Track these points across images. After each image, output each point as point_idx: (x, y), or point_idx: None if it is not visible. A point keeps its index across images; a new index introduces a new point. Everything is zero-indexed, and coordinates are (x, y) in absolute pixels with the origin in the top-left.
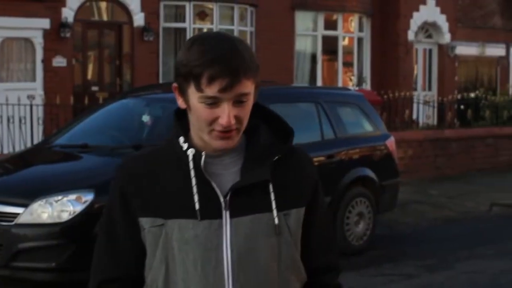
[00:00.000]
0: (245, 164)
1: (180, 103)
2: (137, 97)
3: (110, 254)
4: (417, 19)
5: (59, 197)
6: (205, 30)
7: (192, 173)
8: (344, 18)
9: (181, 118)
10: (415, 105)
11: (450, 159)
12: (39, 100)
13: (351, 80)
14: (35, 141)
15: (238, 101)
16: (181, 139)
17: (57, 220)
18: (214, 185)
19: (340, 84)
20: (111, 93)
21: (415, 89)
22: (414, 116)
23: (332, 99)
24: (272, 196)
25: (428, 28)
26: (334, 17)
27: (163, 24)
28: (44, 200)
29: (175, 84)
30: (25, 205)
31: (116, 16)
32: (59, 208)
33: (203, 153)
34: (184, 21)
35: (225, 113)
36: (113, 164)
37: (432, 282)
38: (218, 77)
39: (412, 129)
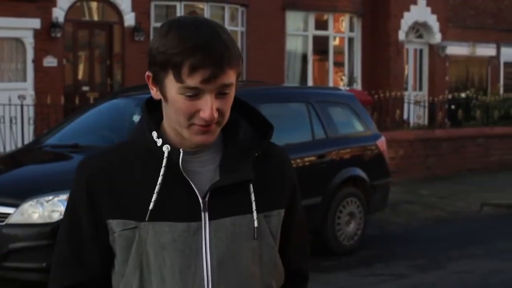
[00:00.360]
0: (224, 161)
1: (154, 93)
2: (127, 97)
3: (73, 259)
4: (408, 19)
5: (50, 197)
6: None
7: (162, 170)
8: (335, 18)
9: (152, 110)
10: (406, 105)
11: (440, 159)
12: (30, 100)
13: (342, 80)
14: (26, 141)
15: (221, 93)
16: (154, 133)
17: (48, 220)
18: (193, 185)
19: (331, 84)
20: (101, 93)
21: (406, 89)
22: (405, 116)
23: (323, 99)
24: (253, 197)
25: (419, 28)
26: (325, 17)
27: (153, 24)
28: (35, 200)
29: (148, 73)
30: (15, 205)
31: (106, 16)
32: (50, 208)
33: (181, 150)
34: None
35: (208, 106)
36: None
37: (423, 282)
38: (201, 66)
39: (403, 129)
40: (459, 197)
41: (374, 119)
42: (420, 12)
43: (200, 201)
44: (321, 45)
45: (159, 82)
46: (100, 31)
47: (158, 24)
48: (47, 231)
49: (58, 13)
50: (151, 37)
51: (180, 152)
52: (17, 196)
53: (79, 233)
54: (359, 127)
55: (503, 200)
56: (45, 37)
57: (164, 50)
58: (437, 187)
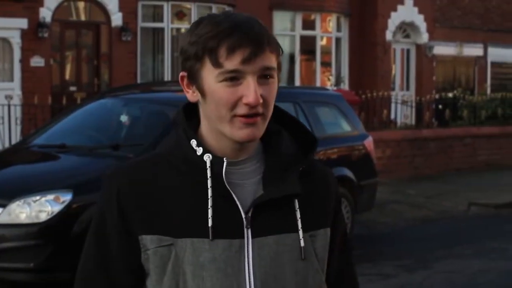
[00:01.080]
0: (268, 174)
1: (190, 96)
2: (115, 97)
3: (101, 280)
4: (395, 19)
5: (37, 197)
6: (183, 30)
7: (209, 182)
8: (322, 18)
9: (189, 118)
10: (393, 105)
11: (428, 159)
12: (17, 100)
13: (329, 80)
14: (13, 141)
15: (264, 76)
16: (194, 142)
17: (35, 220)
18: (235, 198)
19: (318, 84)
20: (89, 93)
21: (393, 89)
22: (392, 116)
23: (310, 99)
24: (298, 214)
25: (406, 28)
26: (312, 17)
27: (141, 24)
28: (22, 200)
29: (183, 73)
30: (3, 206)
31: (94, 16)
32: (37, 208)
33: (225, 158)
34: (162, 21)
35: (251, 89)
36: (92, 164)
37: (410, 282)
38: (239, 46)
39: (390, 129)
40: (447, 197)
41: (361, 119)
42: (407, 12)
43: (243, 216)
44: (308, 45)
45: (195, 79)
46: (87, 31)
47: (146, 24)
48: (35, 231)
49: (45, 13)
50: (138, 37)
51: (223, 162)
52: (4, 196)
53: (109, 251)
54: (346, 127)
55: (490, 200)
56: (32, 37)
57: (197, 39)
58: (424, 187)
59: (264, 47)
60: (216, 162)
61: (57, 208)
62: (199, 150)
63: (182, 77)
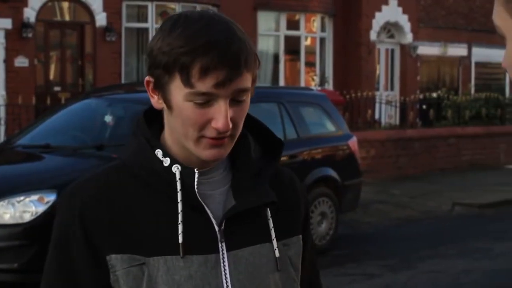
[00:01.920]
0: (237, 182)
1: (155, 102)
2: (99, 98)
3: None
4: (379, 19)
5: (21, 198)
6: None
7: (179, 196)
8: (306, 18)
9: (151, 122)
10: (377, 105)
11: (412, 158)
12: (1, 100)
13: (313, 80)
14: None
15: (236, 100)
16: (159, 152)
17: (19, 221)
18: (208, 211)
19: (302, 84)
20: (73, 93)
21: (377, 89)
22: (376, 116)
23: (295, 99)
24: (271, 223)
25: (390, 28)
26: (296, 17)
27: (125, 24)
28: (6, 201)
29: (148, 78)
30: None
31: (78, 16)
32: (21, 209)
33: (196, 169)
34: (146, 21)
35: (222, 114)
36: (76, 165)
37: (395, 281)
38: (215, 68)
39: (374, 129)
40: (431, 196)
41: (345, 119)
42: (391, 12)
43: (216, 229)
44: (292, 45)
45: (161, 88)
46: (71, 31)
47: (130, 24)
48: (19, 232)
49: (30, 13)
50: (123, 37)
51: (194, 173)
52: None
53: (72, 274)
54: (330, 127)
55: (474, 200)
56: (16, 37)
57: (169, 50)
58: (409, 187)
59: (241, 70)
60: (186, 173)
61: (41, 208)
62: (166, 161)
63: (148, 82)
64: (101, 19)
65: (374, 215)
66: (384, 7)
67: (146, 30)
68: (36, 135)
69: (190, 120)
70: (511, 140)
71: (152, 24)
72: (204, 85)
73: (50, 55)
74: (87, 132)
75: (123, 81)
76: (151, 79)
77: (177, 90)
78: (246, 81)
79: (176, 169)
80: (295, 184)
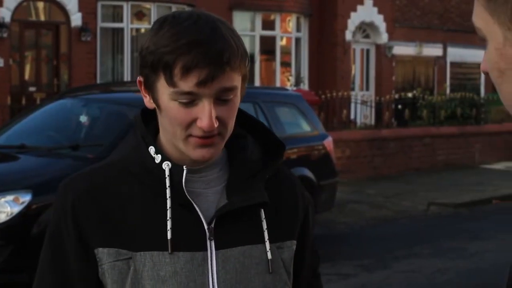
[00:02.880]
0: (232, 182)
1: (147, 102)
2: (74, 98)
3: None
4: (355, 19)
5: None
6: (143, 30)
7: (168, 192)
8: (282, 18)
9: (148, 121)
10: (352, 105)
11: (387, 158)
12: None
13: (289, 80)
14: None
15: (222, 99)
16: (152, 149)
17: None
18: (197, 208)
19: (278, 84)
20: (48, 93)
21: (353, 89)
22: (352, 116)
23: (270, 99)
24: (265, 225)
25: (366, 28)
26: (272, 17)
27: (100, 24)
28: None
29: (140, 78)
30: None
31: (53, 16)
32: None
33: (184, 167)
34: (121, 21)
35: (205, 114)
36: (51, 165)
37: (370, 281)
38: (196, 66)
39: (349, 129)
40: (406, 196)
41: (321, 119)
42: (366, 12)
43: (206, 227)
44: (268, 45)
45: (150, 88)
46: (46, 31)
47: (105, 24)
48: None
49: (5, 13)
50: (98, 37)
51: (183, 170)
52: None
53: (65, 265)
54: (306, 127)
55: (449, 200)
56: None
57: (155, 49)
58: (384, 186)
59: (223, 68)
60: (176, 170)
61: (16, 208)
62: (158, 158)
63: (140, 82)
64: (76, 19)
65: (349, 215)
66: (359, 7)
67: (121, 30)
68: (11, 136)
69: (176, 120)
70: (486, 140)
71: (127, 24)
72: (187, 84)
73: (25, 55)
74: (63, 132)
75: (98, 81)
76: (142, 79)
77: (163, 89)
78: (231, 80)
79: (166, 166)
80: (294, 187)
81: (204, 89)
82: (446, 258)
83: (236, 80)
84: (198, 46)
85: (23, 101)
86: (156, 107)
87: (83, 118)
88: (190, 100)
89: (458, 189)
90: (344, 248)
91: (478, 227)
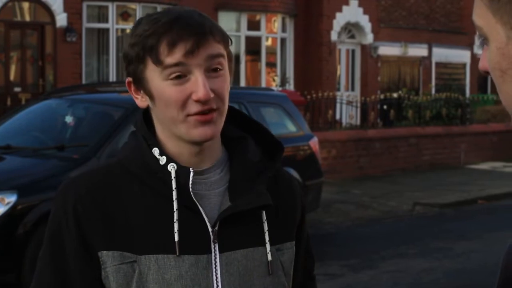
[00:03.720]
0: (233, 184)
1: (139, 101)
2: (60, 98)
3: None
4: (340, 19)
5: None
6: (128, 30)
7: (175, 194)
8: (267, 19)
9: (149, 124)
10: (338, 105)
11: (373, 159)
12: None
13: (274, 80)
14: None
15: (211, 69)
16: (156, 150)
17: None
18: (202, 211)
19: (263, 85)
20: (34, 94)
21: (338, 90)
22: (337, 116)
23: (256, 99)
24: (266, 227)
25: (351, 29)
26: (257, 17)
27: (86, 24)
28: None
29: (128, 79)
30: None
31: (38, 17)
32: None
33: (191, 169)
34: (107, 21)
35: (199, 84)
36: (37, 165)
37: (356, 281)
38: (180, 39)
39: (335, 129)
40: (392, 196)
41: (306, 119)
42: (352, 13)
43: (210, 230)
44: (253, 46)
45: (140, 82)
46: (32, 31)
47: (90, 25)
48: None
49: None
50: (83, 37)
51: (189, 172)
52: None
53: (66, 267)
54: (291, 128)
55: (434, 200)
56: None
57: (136, 40)
58: (370, 186)
59: (207, 37)
60: (182, 172)
61: (1, 209)
62: (163, 159)
63: (129, 83)
64: (61, 20)
65: (335, 215)
66: (344, 8)
67: (106, 30)
68: None
69: (171, 99)
70: (471, 140)
71: (112, 25)
72: (174, 57)
73: (10, 55)
74: (48, 132)
75: (83, 82)
76: (130, 78)
77: (153, 73)
78: (216, 48)
79: (171, 167)
80: (294, 188)
81: (192, 58)
82: (432, 258)
83: (222, 50)
84: (178, 22)
85: (8, 102)
86: (149, 102)
87: (69, 119)
88: (181, 74)
89: (443, 189)
90: (330, 248)
91: (463, 227)
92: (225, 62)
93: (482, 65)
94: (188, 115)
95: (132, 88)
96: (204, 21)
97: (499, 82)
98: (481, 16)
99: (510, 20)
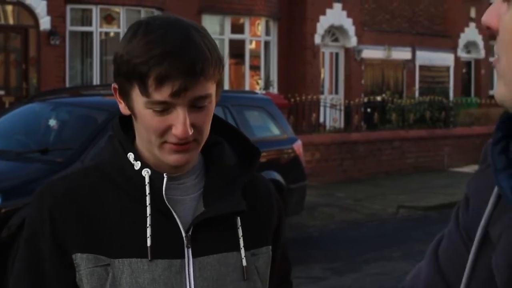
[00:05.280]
0: (208, 189)
1: (122, 108)
2: (43, 101)
3: None
4: (324, 22)
5: None
6: (112, 33)
7: (148, 199)
8: (251, 22)
9: (126, 127)
10: (322, 109)
11: (357, 162)
12: None
13: (258, 83)
14: None
15: (196, 106)
16: (131, 155)
17: None
18: (176, 216)
19: (247, 88)
20: (17, 97)
21: (322, 93)
22: (321, 120)
23: (239, 102)
24: (240, 232)
25: (335, 32)
26: (241, 20)
27: (69, 27)
28: None
29: (114, 85)
30: None
31: (22, 20)
32: None
33: (165, 174)
34: (90, 24)
35: (180, 121)
36: (20, 169)
37: (340, 284)
38: (169, 77)
39: (319, 132)
40: (376, 199)
41: (290, 122)
42: (335, 16)
43: (183, 235)
44: (237, 49)
45: (125, 96)
46: (15, 34)
47: (74, 28)
48: None
49: None
50: (67, 40)
51: (163, 177)
52: None
53: (41, 270)
54: (275, 131)
55: (418, 203)
56: None
57: (128, 59)
58: (354, 190)
59: (197, 77)
60: (156, 177)
61: None
62: (137, 165)
63: (114, 89)
64: (45, 23)
65: (319, 218)
66: (328, 11)
67: (90, 33)
68: None
69: (151, 127)
70: (455, 143)
71: (96, 28)
72: (161, 95)
73: None
74: (32, 136)
75: (67, 85)
76: (116, 86)
77: (138, 97)
78: (204, 88)
79: (146, 173)
80: (270, 194)
81: (177, 99)
82: (416, 261)
83: (211, 88)
84: (170, 56)
85: None
86: (132, 114)
87: (52, 122)
88: (164, 108)
89: (427, 192)
90: (314, 251)
91: None
92: (212, 97)
93: (488, 20)
94: (165, 142)
95: (117, 94)
96: (198, 57)
97: (507, 45)
98: (495, 15)
99: None
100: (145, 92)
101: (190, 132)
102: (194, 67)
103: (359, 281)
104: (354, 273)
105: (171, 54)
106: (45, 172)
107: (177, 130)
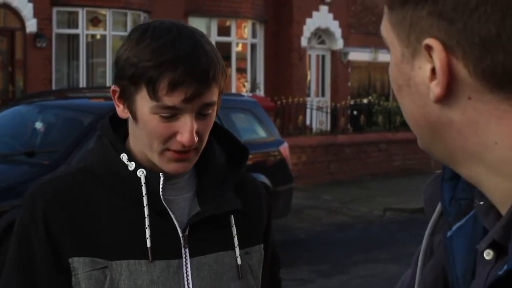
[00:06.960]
0: (202, 189)
1: (120, 111)
2: (30, 104)
3: None
4: (310, 25)
5: None
6: (98, 36)
7: (145, 200)
8: (237, 24)
9: (116, 128)
10: (308, 111)
11: (343, 164)
12: None
13: (244, 86)
14: None
15: (202, 113)
16: (124, 156)
17: None
18: (172, 216)
19: (233, 90)
20: (3, 100)
21: (309, 95)
22: (308, 122)
23: (226, 105)
24: (234, 231)
25: (321, 34)
26: (227, 23)
27: (56, 30)
28: None
29: (114, 87)
30: None
31: (8, 22)
32: None
33: (161, 174)
34: (77, 27)
35: (187, 129)
36: (7, 171)
37: (327, 286)
38: (182, 83)
39: (305, 134)
40: (362, 202)
41: (276, 125)
42: (322, 19)
43: (180, 235)
44: (223, 51)
45: (127, 99)
46: (1, 37)
47: (60, 30)
48: None
49: None
50: (53, 43)
51: (160, 177)
52: None
53: (32, 273)
54: (262, 133)
55: (405, 205)
56: None
57: (136, 62)
58: (340, 192)
59: (209, 84)
60: (151, 178)
61: None
62: (131, 165)
63: (114, 92)
64: (31, 25)
65: (306, 220)
66: (315, 13)
67: (77, 36)
68: None
69: (156, 133)
70: None
71: (82, 30)
72: (171, 100)
73: None
74: (18, 138)
75: (53, 88)
76: (117, 89)
77: (143, 102)
78: (213, 95)
79: (141, 173)
80: (259, 192)
81: (188, 105)
82: (403, 263)
83: (216, 95)
84: (183, 62)
85: None
86: (130, 118)
87: (39, 125)
88: (172, 114)
89: (414, 194)
90: (301, 253)
91: None
92: (216, 105)
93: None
94: (167, 149)
95: (116, 96)
96: (210, 63)
97: (397, 96)
98: (385, 28)
99: (405, 38)
100: (154, 96)
101: (196, 140)
102: (207, 74)
103: (346, 283)
104: (341, 275)
105: (184, 60)
106: (32, 174)
107: (183, 137)
